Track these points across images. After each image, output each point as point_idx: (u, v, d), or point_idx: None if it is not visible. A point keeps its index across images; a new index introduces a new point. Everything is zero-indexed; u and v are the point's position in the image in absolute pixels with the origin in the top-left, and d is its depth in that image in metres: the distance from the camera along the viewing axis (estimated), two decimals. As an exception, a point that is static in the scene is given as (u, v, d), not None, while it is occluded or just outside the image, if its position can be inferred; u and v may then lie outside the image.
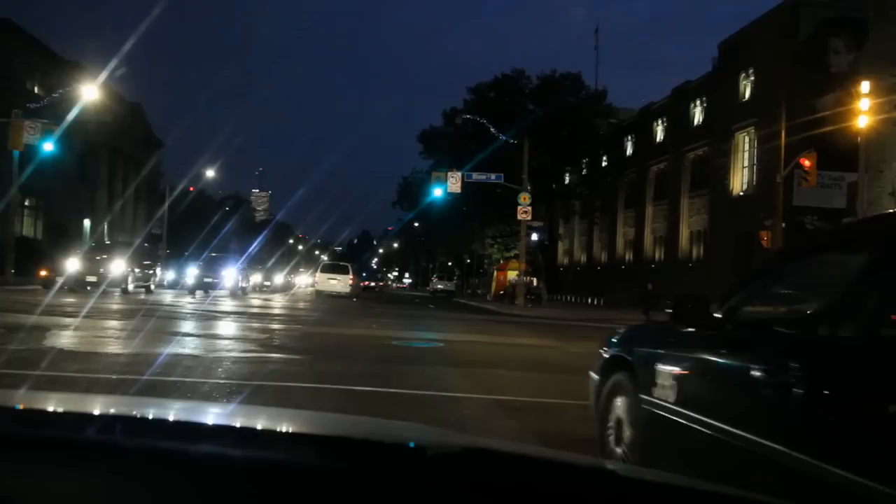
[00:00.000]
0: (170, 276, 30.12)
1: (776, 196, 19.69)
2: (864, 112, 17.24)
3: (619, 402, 3.55)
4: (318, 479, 0.94)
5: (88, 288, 19.90)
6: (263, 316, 16.88)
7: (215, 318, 14.93)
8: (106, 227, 49.87)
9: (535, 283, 38.06)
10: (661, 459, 2.98)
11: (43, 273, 21.15)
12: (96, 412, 1.27)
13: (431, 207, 41.48)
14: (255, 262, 40.22)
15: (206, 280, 25.59)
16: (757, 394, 2.43)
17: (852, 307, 2.22)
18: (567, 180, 47.76)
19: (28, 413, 1.20)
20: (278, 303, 24.58)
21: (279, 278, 39.87)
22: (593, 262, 50.44)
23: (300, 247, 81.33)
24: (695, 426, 2.72)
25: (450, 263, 73.96)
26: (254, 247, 34.36)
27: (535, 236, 33.38)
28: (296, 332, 12.53)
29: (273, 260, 37.53)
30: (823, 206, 24.27)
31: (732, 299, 2.96)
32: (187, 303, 19.94)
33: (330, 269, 34.51)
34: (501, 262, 55.27)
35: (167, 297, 22.98)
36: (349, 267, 34.24)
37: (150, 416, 1.25)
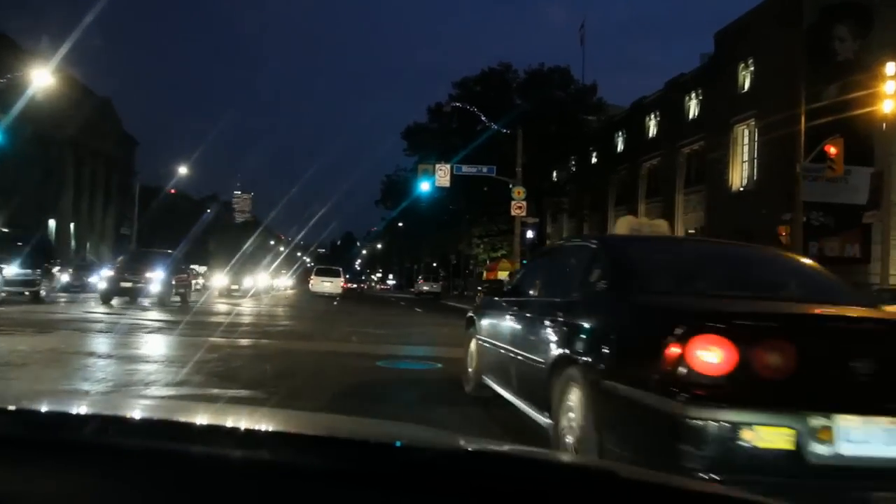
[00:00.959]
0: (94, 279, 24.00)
1: (794, 188, 18.15)
2: (888, 96, 15.70)
3: (472, 343, 6.59)
4: (305, 478, 0.94)
5: None
6: (213, 326, 13.98)
7: (130, 334, 11.20)
8: (72, 227, 47.77)
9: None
10: (484, 367, 6.05)
11: None
12: (93, 412, 1.25)
13: (416, 205, 39.98)
14: (220, 263, 37.74)
15: (124, 285, 18.79)
16: (512, 327, 5.31)
17: (538, 283, 5.46)
18: (556, 177, 46.30)
19: (24, 414, 1.17)
20: (244, 308, 21.91)
21: (254, 281, 37.25)
22: (583, 262, 48.89)
23: (282, 248, 79.01)
24: (492, 347, 5.71)
25: (435, 264, 72.28)
26: (184, 242, 26.86)
27: (529, 233, 31.79)
28: (256, 350, 9.96)
29: (236, 259, 34.64)
30: (831, 201, 22.70)
31: (512, 280, 6.75)
32: (84, 313, 15.47)
33: (324, 273, 40.28)
34: (488, 262, 53.73)
35: (59, 305, 17.83)
36: (340, 271, 41.82)
37: (145, 417, 1.28)
